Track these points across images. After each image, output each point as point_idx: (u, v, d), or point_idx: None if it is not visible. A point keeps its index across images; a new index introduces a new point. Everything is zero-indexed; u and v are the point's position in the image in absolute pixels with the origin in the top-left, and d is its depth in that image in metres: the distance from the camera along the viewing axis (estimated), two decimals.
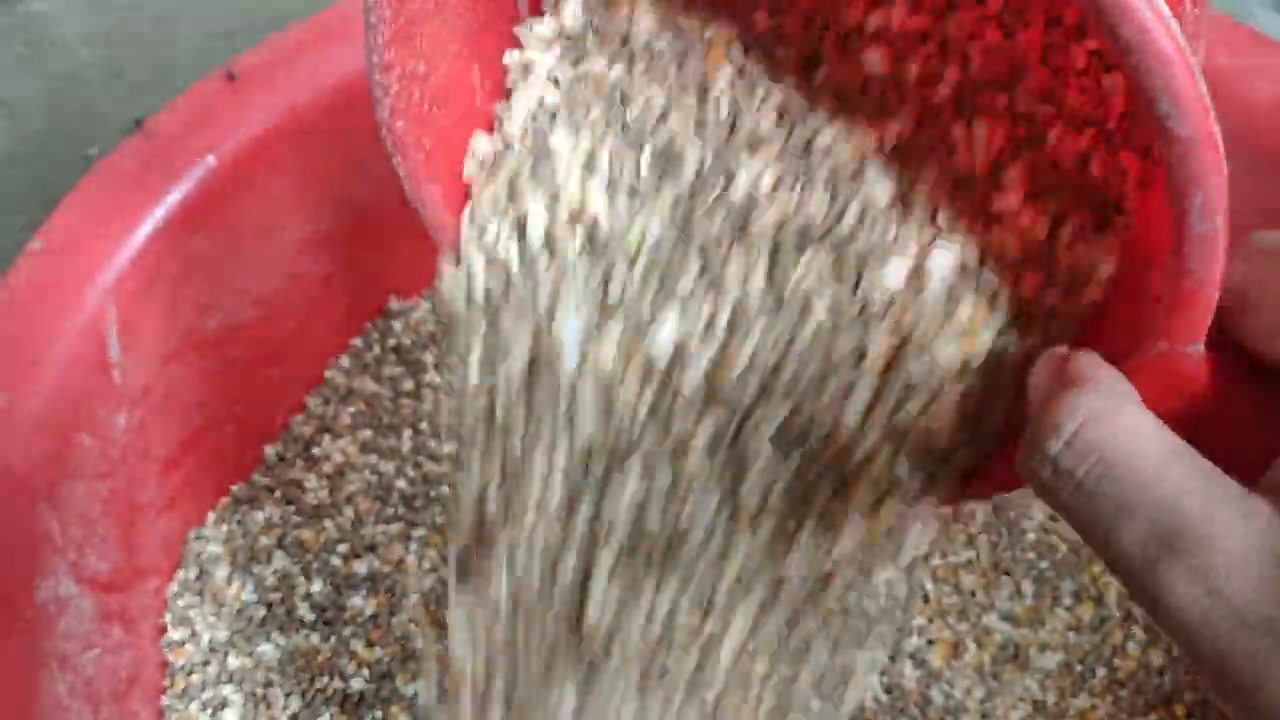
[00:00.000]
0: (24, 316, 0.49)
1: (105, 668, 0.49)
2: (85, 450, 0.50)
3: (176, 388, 0.56)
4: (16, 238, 0.85)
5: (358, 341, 0.69)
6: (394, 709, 0.52)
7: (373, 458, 0.63)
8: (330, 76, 0.60)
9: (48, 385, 0.49)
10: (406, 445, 0.64)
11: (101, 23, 1.05)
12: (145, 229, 0.54)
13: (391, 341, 0.69)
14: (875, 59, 0.32)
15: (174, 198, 0.55)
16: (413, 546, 0.60)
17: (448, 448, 0.64)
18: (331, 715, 0.53)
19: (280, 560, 0.59)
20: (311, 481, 0.62)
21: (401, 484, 0.62)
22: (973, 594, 0.58)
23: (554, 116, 0.34)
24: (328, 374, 0.67)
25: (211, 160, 0.56)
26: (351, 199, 0.64)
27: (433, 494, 0.62)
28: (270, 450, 0.64)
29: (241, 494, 0.61)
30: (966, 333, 0.27)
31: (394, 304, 0.70)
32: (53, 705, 0.44)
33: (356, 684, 0.54)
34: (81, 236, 0.52)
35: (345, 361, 0.68)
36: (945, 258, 0.28)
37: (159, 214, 0.54)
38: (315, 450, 0.63)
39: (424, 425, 0.65)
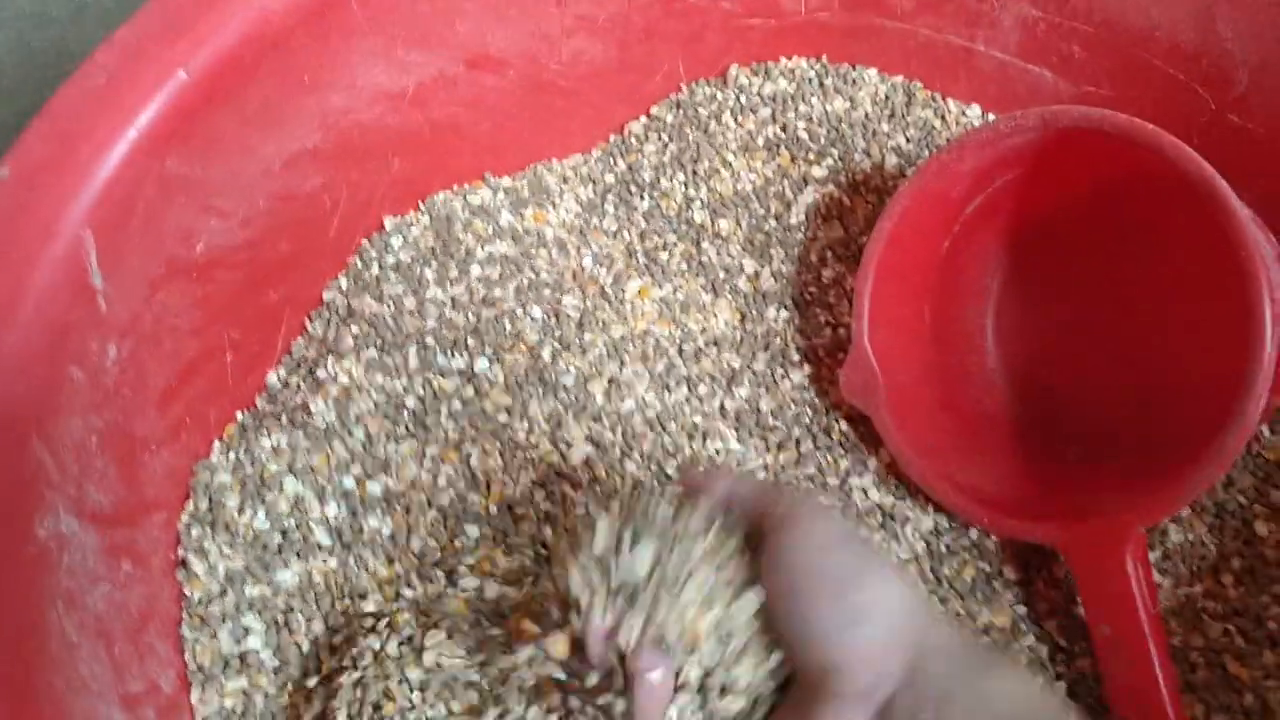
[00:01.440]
0: None
1: (115, 604, 0.47)
2: (76, 383, 0.48)
3: (167, 315, 0.54)
4: None
5: (355, 260, 0.66)
6: (406, 616, 0.51)
7: (379, 377, 0.61)
8: None
9: (29, 318, 0.46)
10: (413, 362, 0.62)
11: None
12: (117, 151, 0.51)
13: (390, 259, 0.66)
14: None
15: (145, 117, 0.52)
16: (426, 464, 0.58)
17: (456, 361, 0.62)
18: (351, 635, 0.51)
19: (292, 486, 0.57)
20: (318, 405, 0.60)
21: (411, 401, 0.60)
22: None
23: None
24: (327, 295, 0.65)
25: (182, 75, 0.53)
26: (334, 111, 0.61)
27: (444, 409, 0.60)
28: (273, 376, 0.62)
29: (247, 421, 0.59)
30: None
31: (389, 222, 0.67)
32: (61, 645, 0.42)
33: (375, 601, 0.53)
34: (51, 163, 0.49)
35: (344, 281, 0.65)
36: None
37: (130, 135, 0.51)
38: (320, 373, 0.61)
39: (430, 340, 0.63)
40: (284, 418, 0.59)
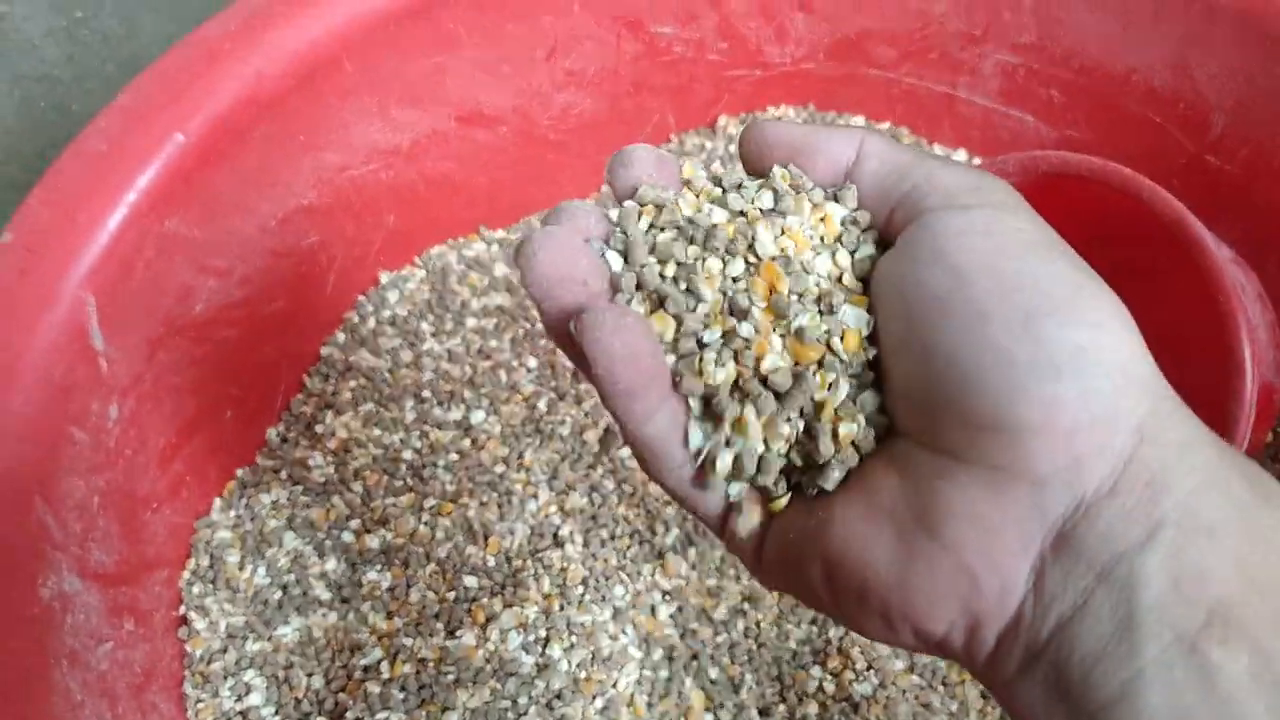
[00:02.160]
0: (0, 313, 0.48)
1: (118, 662, 0.48)
2: (78, 444, 0.48)
3: (167, 374, 0.55)
4: None
5: (352, 315, 0.67)
6: (405, 667, 0.51)
7: (376, 431, 0.62)
8: (297, 42, 0.58)
9: (32, 381, 0.47)
10: (410, 415, 0.62)
11: (65, 21, 1.02)
12: (117, 214, 0.52)
13: (386, 313, 0.67)
14: None
15: (144, 180, 0.53)
16: (424, 517, 0.58)
17: (453, 413, 0.63)
18: (350, 688, 0.52)
19: (292, 541, 0.57)
20: (317, 459, 0.60)
21: (408, 455, 0.61)
22: None
23: None
24: (324, 351, 0.66)
25: (180, 138, 0.55)
26: (330, 168, 0.63)
27: (440, 462, 0.60)
28: (272, 432, 0.62)
29: (247, 478, 0.60)
30: None
31: (385, 276, 0.68)
32: (65, 704, 0.43)
33: (376, 655, 0.53)
34: (51, 227, 0.51)
35: (341, 337, 0.66)
36: None
37: (130, 198, 0.52)
38: (318, 428, 0.62)
39: (426, 393, 0.63)
40: (283, 473, 0.60)
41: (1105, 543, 0.22)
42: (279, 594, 0.55)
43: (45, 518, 0.46)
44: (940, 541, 0.23)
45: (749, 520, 0.27)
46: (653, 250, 0.28)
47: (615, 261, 0.28)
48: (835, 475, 0.26)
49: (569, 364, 0.65)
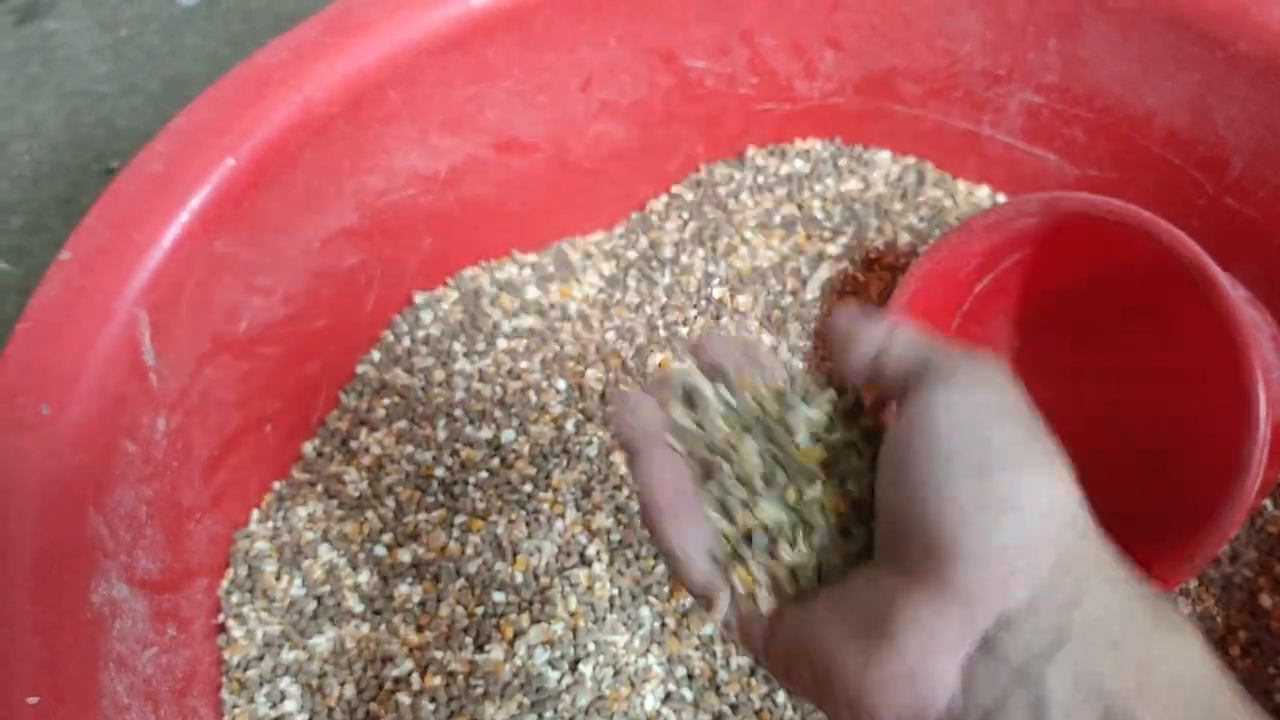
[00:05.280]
0: (59, 328, 0.50)
1: (162, 667, 0.49)
2: (129, 455, 0.50)
3: (213, 389, 0.57)
4: (43, 256, 0.87)
5: (387, 335, 0.69)
6: (435, 679, 0.53)
7: (409, 448, 0.63)
8: (344, 71, 0.60)
9: (87, 394, 0.49)
10: (442, 434, 0.64)
11: (111, 38, 1.05)
12: (170, 234, 0.54)
13: (420, 333, 0.69)
14: None
15: (196, 202, 0.55)
16: (454, 533, 0.60)
17: (483, 432, 0.64)
18: (382, 699, 0.53)
19: (326, 553, 0.59)
20: (351, 474, 0.62)
21: (440, 472, 0.62)
22: None
23: None
24: (359, 369, 0.68)
25: (231, 161, 0.57)
26: (371, 193, 0.65)
27: (471, 480, 0.62)
28: (309, 446, 0.64)
29: (284, 491, 0.62)
30: None
31: (419, 297, 0.70)
32: (113, 706, 0.45)
33: (406, 666, 0.55)
34: (108, 246, 0.53)
35: (376, 355, 0.68)
36: None
37: (183, 218, 0.55)
38: (353, 444, 0.64)
39: (458, 412, 0.65)
40: (319, 487, 0.62)
41: (1022, 650, 0.27)
42: (314, 605, 0.57)
43: (98, 527, 0.47)
44: (891, 642, 0.28)
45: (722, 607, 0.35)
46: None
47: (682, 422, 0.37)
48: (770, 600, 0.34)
49: (597, 386, 0.67)
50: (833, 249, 0.72)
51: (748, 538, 0.35)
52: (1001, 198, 0.73)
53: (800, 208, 0.74)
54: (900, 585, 0.29)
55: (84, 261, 0.52)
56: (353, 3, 0.62)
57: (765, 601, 0.34)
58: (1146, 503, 0.59)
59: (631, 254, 0.75)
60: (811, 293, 0.71)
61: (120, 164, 0.93)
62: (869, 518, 0.34)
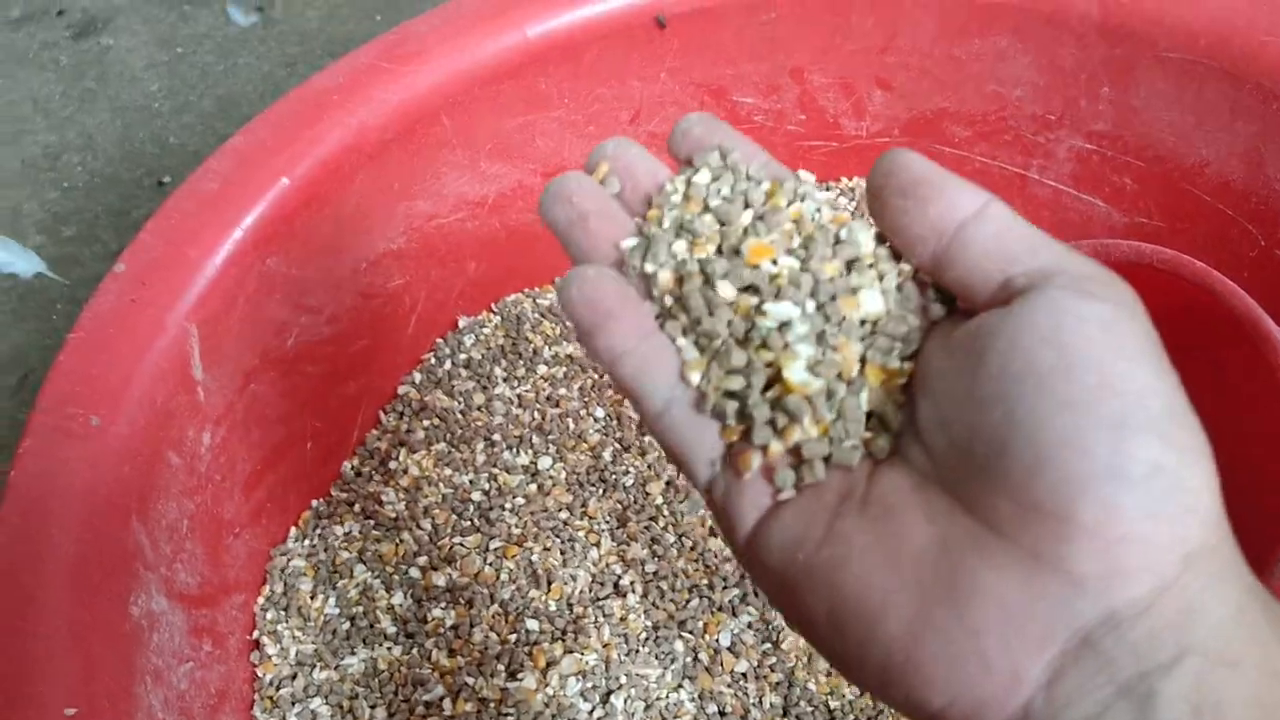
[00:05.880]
0: (110, 339, 0.50)
1: (196, 682, 0.50)
2: (173, 468, 0.51)
3: (257, 405, 0.57)
4: (94, 267, 0.88)
5: (429, 357, 0.69)
6: (466, 705, 0.53)
7: (447, 470, 0.64)
8: (399, 97, 0.61)
9: (136, 406, 0.50)
10: (480, 458, 0.64)
11: (167, 55, 1.07)
12: (223, 251, 0.55)
13: (462, 356, 0.70)
14: None
15: (249, 220, 0.56)
16: (490, 558, 0.60)
17: (521, 458, 0.64)
18: None
19: (361, 573, 0.59)
20: (389, 495, 0.62)
21: (477, 496, 0.63)
22: None
23: None
24: (401, 389, 0.68)
25: (285, 182, 0.57)
26: (420, 216, 0.65)
27: (507, 505, 0.62)
28: (348, 465, 0.65)
29: (322, 509, 0.62)
30: None
31: (462, 320, 0.71)
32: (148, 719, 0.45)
33: (438, 691, 0.54)
34: (162, 260, 0.53)
35: (417, 376, 0.69)
36: None
37: (236, 236, 0.55)
38: (392, 464, 0.64)
39: (496, 437, 0.65)
40: (356, 506, 0.62)
41: (1132, 659, 0.22)
42: (347, 625, 0.57)
43: (140, 538, 0.48)
44: (962, 618, 0.23)
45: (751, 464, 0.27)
46: (681, 229, 0.29)
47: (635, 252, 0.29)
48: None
49: (635, 415, 0.67)
50: None
51: (748, 389, 0.27)
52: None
53: None
54: (980, 541, 0.23)
55: (137, 275, 0.53)
56: (410, 30, 0.63)
57: (755, 478, 0.27)
58: None
59: None
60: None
61: (172, 179, 0.95)
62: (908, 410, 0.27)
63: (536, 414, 0.67)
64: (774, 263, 0.28)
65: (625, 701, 0.54)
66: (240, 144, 0.58)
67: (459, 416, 0.66)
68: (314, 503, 0.62)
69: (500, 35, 0.64)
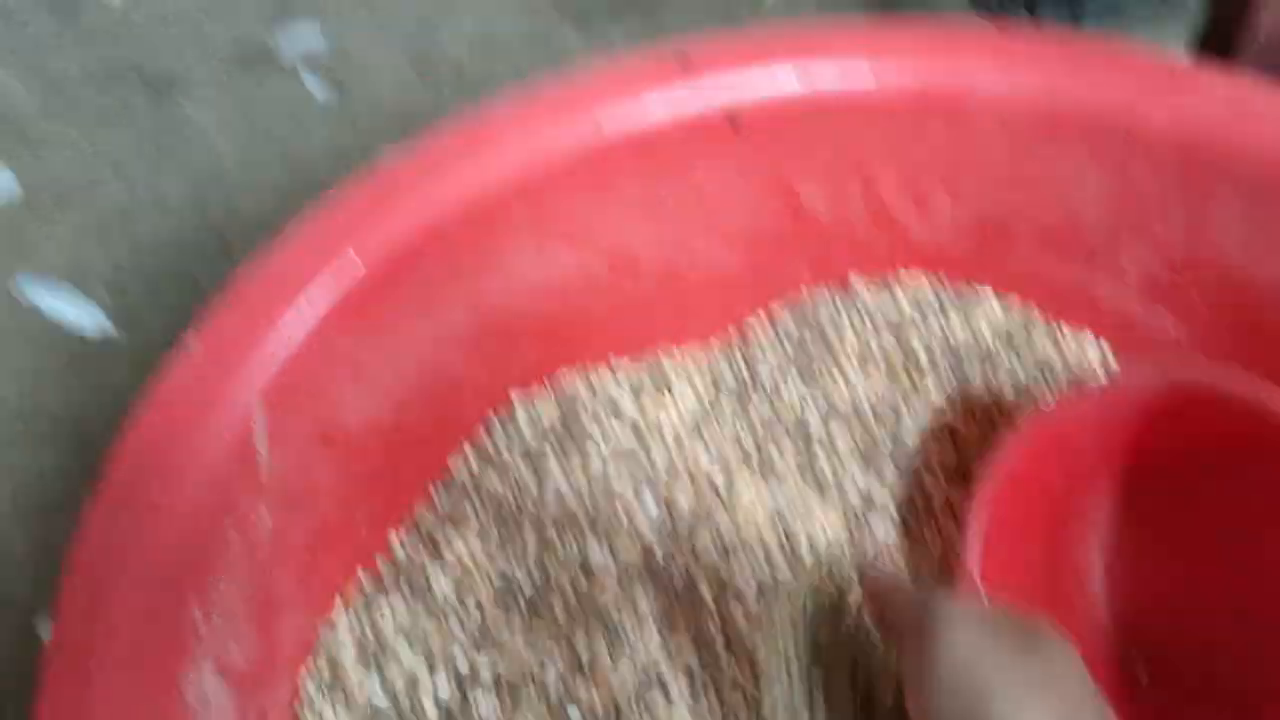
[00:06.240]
0: (178, 416, 0.51)
1: None
2: (232, 544, 0.51)
3: (315, 482, 0.58)
4: (157, 329, 0.89)
5: (482, 435, 0.70)
6: None
7: (496, 555, 0.63)
8: (473, 182, 0.62)
9: (198, 482, 0.50)
10: (531, 545, 0.64)
11: (242, 122, 1.10)
12: (292, 330, 0.55)
13: (515, 437, 0.70)
14: None
15: (319, 299, 0.57)
16: (536, 648, 0.59)
17: (571, 548, 0.64)
18: None
19: (408, 657, 0.59)
20: (438, 577, 0.62)
21: (525, 584, 0.62)
22: None
23: None
24: (453, 467, 0.68)
25: (356, 261, 0.58)
26: (482, 297, 0.66)
27: (556, 595, 0.61)
28: (397, 541, 0.64)
29: (370, 588, 0.62)
30: None
31: (516, 399, 0.71)
32: None
33: None
34: (232, 338, 0.54)
35: (470, 455, 0.69)
36: None
37: (305, 315, 0.56)
38: (441, 545, 0.64)
39: (547, 524, 0.65)
40: (405, 587, 0.62)
41: None
42: (392, 710, 0.57)
43: (196, 615, 0.48)
44: None
45: None
46: None
47: None
48: None
49: (685, 510, 0.67)
50: (932, 391, 0.72)
51: None
52: (1110, 353, 0.72)
53: (902, 345, 0.73)
54: None
55: (208, 352, 0.54)
56: (488, 116, 0.64)
57: None
58: (1244, 682, 0.57)
59: (727, 373, 0.75)
60: (908, 433, 0.70)
61: (240, 245, 0.97)
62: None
63: (588, 502, 0.67)
64: None
65: None
66: (313, 222, 0.59)
67: (511, 500, 0.66)
68: (363, 580, 0.62)
69: (576, 127, 0.65)
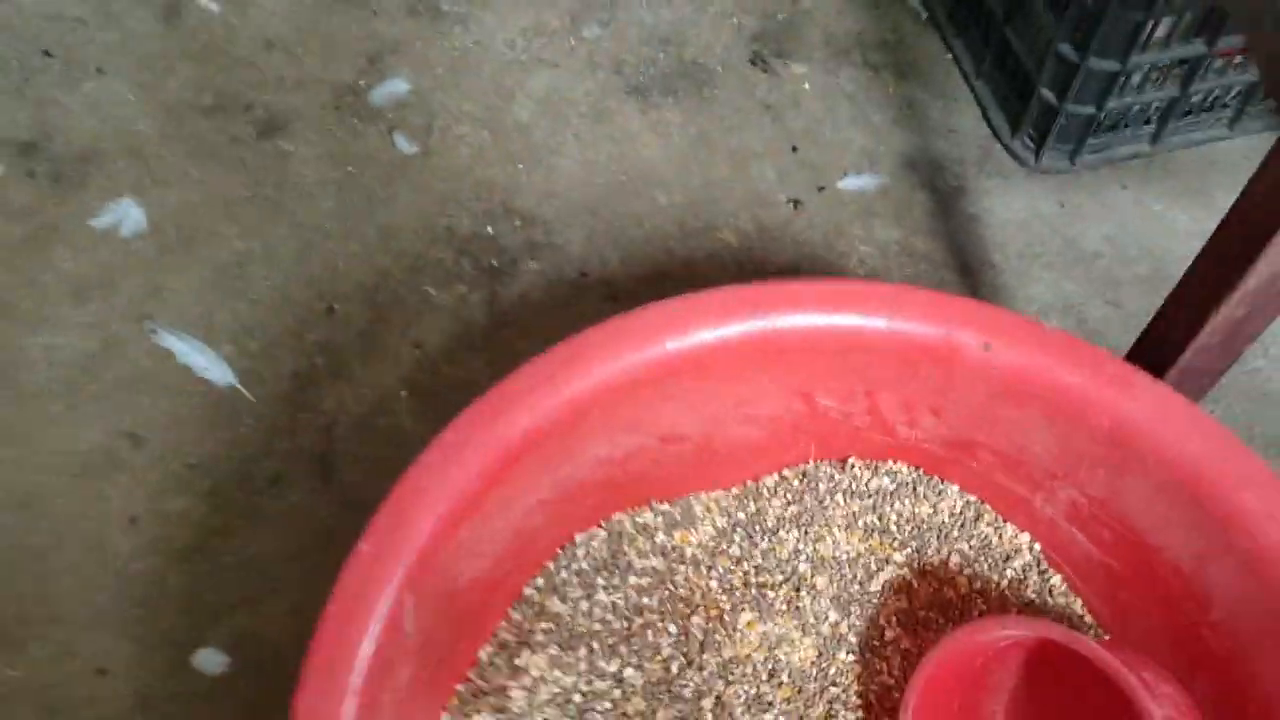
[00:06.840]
0: (351, 611, 0.71)
1: None
2: (382, 708, 0.72)
3: (435, 633, 0.78)
4: (274, 386, 1.06)
5: (550, 565, 0.90)
6: None
7: (557, 672, 0.85)
8: (565, 396, 0.80)
9: (362, 659, 0.70)
10: (582, 662, 0.85)
11: (337, 173, 1.23)
12: (432, 527, 0.75)
13: (575, 566, 0.90)
14: None
15: (452, 497, 0.76)
16: None
17: (611, 665, 0.86)
18: None
19: None
20: (515, 690, 0.84)
21: (577, 697, 0.84)
22: None
23: None
24: (527, 591, 0.89)
25: (476, 466, 0.77)
26: (563, 474, 0.85)
27: (598, 708, 0.83)
28: (483, 655, 0.86)
29: (464, 694, 0.84)
30: None
31: (579, 535, 0.91)
32: None
33: None
34: (390, 539, 0.74)
35: (540, 582, 0.89)
36: None
37: (441, 512, 0.75)
38: (517, 660, 0.85)
39: (594, 643, 0.86)
40: (490, 698, 0.83)
41: None
42: None
43: None
44: None
45: None
46: None
47: None
48: None
49: (699, 633, 0.88)
50: (898, 556, 0.92)
51: None
52: (1038, 547, 0.92)
53: (880, 517, 0.94)
54: None
55: (373, 553, 0.73)
56: (578, 345, 0.82)
57: None
58: None
59: (740, 515, 0.95)
60: (875, 586, 0.91)
61: (342, 311, 1.12)
62: None
63: (625, 623, 0.88)
64: None
65: None
66: (450, 436, 0.78)
67: (568, 620, 0.87)
68: (459, 689, 0.84)
69: (647, 349, 0.83)
